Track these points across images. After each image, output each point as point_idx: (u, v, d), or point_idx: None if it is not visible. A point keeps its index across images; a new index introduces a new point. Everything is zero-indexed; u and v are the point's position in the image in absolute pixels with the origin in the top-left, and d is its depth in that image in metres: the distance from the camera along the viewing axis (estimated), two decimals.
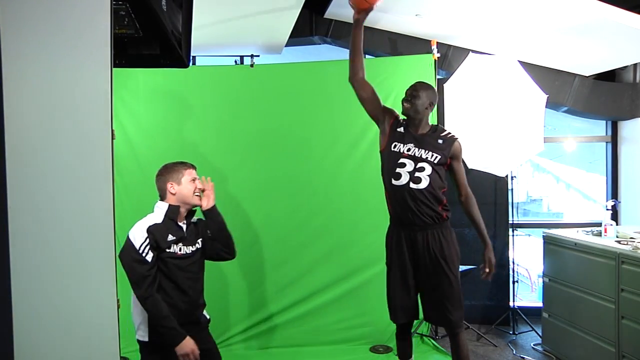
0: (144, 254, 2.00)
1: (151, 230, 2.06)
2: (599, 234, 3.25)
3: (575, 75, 4.02)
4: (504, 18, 3.29)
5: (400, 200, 2.45)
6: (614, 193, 4.33)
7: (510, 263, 4.03)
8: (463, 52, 3.83)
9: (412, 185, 2.42)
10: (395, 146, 2.48)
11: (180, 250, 2.12)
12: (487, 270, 2.55)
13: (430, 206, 2.43)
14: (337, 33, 4.04)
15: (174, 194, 2.15)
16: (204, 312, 2.34)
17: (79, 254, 1.22)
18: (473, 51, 3.69)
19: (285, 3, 2.92)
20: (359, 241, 3.61)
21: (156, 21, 1.57)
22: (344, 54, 4.36)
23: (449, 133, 2.55)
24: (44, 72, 1.16)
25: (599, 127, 4.45)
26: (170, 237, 2.09)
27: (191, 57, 2.59)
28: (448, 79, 3.59)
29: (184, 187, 2.15)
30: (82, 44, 1.20)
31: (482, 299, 4.09)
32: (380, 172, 2.60)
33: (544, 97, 3.56)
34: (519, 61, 3.62)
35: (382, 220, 3.65)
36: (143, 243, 2.01)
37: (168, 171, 2.19)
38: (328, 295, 3.62)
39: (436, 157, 2.45)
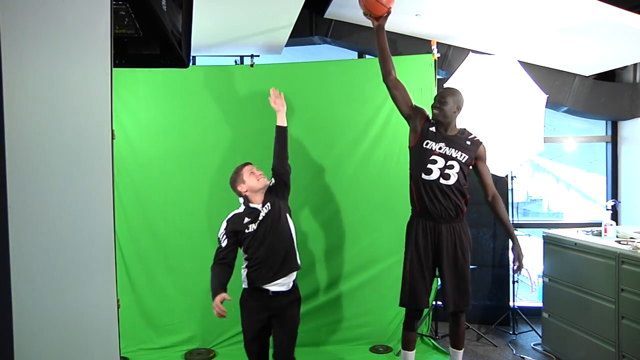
0: (221, 240, 2.63)
1: (229, 220, 2.64)
2: (599, 234, 3.25)
3: (575, 75, 4.02)
4: (504, 18, 3.29)
5: (430, 193, 2.65)
6: (614, 193, 4.33)
7: (510, 263, 4.03)
8: (463, 52, 3.83)
9: (442, 180, 2.64)
10: (427, 144, 2.68)
11: (256, 226, 2.60)
12: (518, 264, 2.75)
13: (456, 201, 2.66)
14: (337, 33, 4.04)
15: (246, 191, 2.64)
16: (291, 279, 2.67)
17: (79, 254, 1.21)
18: (473, 51, 3.68)
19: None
20: (359, 241, 3.61)
21: (156, 21, 1.57)
22: (344, 54, 4.37)
23: (475, 136, 2.77)
24: (44, 72, 1.16)
25: (599, 127, 4.45)
26: (247, 220, 2.60)
27: (191, 57, 2.59)
28: (448, 79, 3.59)
29: (248, 181, 2.62)
30: (82, 44, 1.20)
31: (482, 299, 4.08)
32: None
33: (544, 97, 3.56)
34: (519, 61, 3.62)
35: (382, 220, 3.65)
36: (222, 232, 2.63)
37: (233, 179, 2.68)
38: (328, 296, 3.62)
39: (464, 156, 2.67)
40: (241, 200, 2.68)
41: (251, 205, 2.63)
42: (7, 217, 1.06)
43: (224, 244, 2.63)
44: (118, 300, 1.26)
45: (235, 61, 3.88)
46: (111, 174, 1.23)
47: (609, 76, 4.12)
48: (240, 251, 2.69)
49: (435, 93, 3.62)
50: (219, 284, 2.59)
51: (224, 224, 2.63)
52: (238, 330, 3.62)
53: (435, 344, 3.56)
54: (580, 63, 3.87)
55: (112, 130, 1.24)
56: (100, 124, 1.22)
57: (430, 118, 2.75)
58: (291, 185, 3.61)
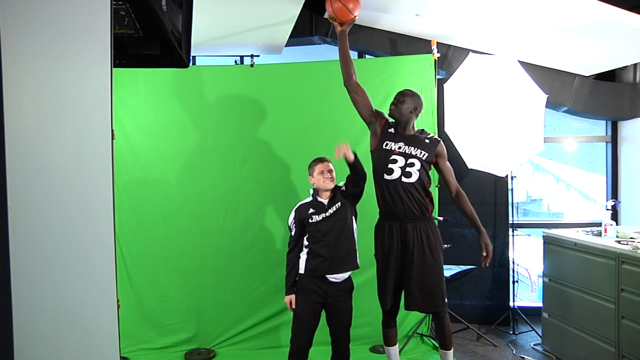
0: (291, 229, 2.84)
1: (297, 209, 2.84)
2: (599, 234, 3.25)
3: (575, 75, 4.02)
4: (504, 18, 3.29)
5: (393, 192, 2.68)
6: (614, 193, 4.33)
7: (510, 263, 4.03)
8: (463, 52, 3.83)
9: (403, 179, 2.67)
10: (387, 144, 2.73)
11: (320, 218, 2.78)
12: (485, 254, 2.72)
13: (419, 198, 2.68)
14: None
15: (313, 183, 2.85)
16: (347, 274, 2.82)
17: (79, 254, 1.21)
18: (473, 51, 3.69)
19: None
20: (359, 241, 3.60)
21: (156, 21, 1.58)
22: None
23: (434, 135, 2.82)
24: (44, 72, 1.16)
25: (599, 127, 4.45)
26: (311, 210, 2.79)
27: (191, 57, 2.59)
28: (448, 79, 3.59)
29: (315, 178, 2.83)
30: (82, 44, 1.20)
31: (482, 299, 4.09)
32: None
33: (544, 97, 3.56)
34: (519, 61, 3.62)
35: None
36: (291, 221, 2.83)
37: (309, 167, 2.88)
38: None
39: (424, 154, 2.70)
40: (311, 191, 2.89)
41: (318, 199, 2.82)
42: (7, 217, 1.06)
43: (293, 233, 2.84)
44: (118, 300, 1.26)
45: (235, 61, 3.88)
46: (111, 174, 1.23)
47: (609, 76, 4.12)
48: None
49: (436, 93, 3.64)
50: (292, 279, 2.81)
51: (292, 214, 2.84)
52: (238, 330, 3.64)
53: (435, 344, 3.56)
54: (580, 63, 3.87)
55: (112, 130, 1.24)
56: (100, 124, 1.22)
57: (389, 119, 2.79)
58: (293, 184, 3.64)
